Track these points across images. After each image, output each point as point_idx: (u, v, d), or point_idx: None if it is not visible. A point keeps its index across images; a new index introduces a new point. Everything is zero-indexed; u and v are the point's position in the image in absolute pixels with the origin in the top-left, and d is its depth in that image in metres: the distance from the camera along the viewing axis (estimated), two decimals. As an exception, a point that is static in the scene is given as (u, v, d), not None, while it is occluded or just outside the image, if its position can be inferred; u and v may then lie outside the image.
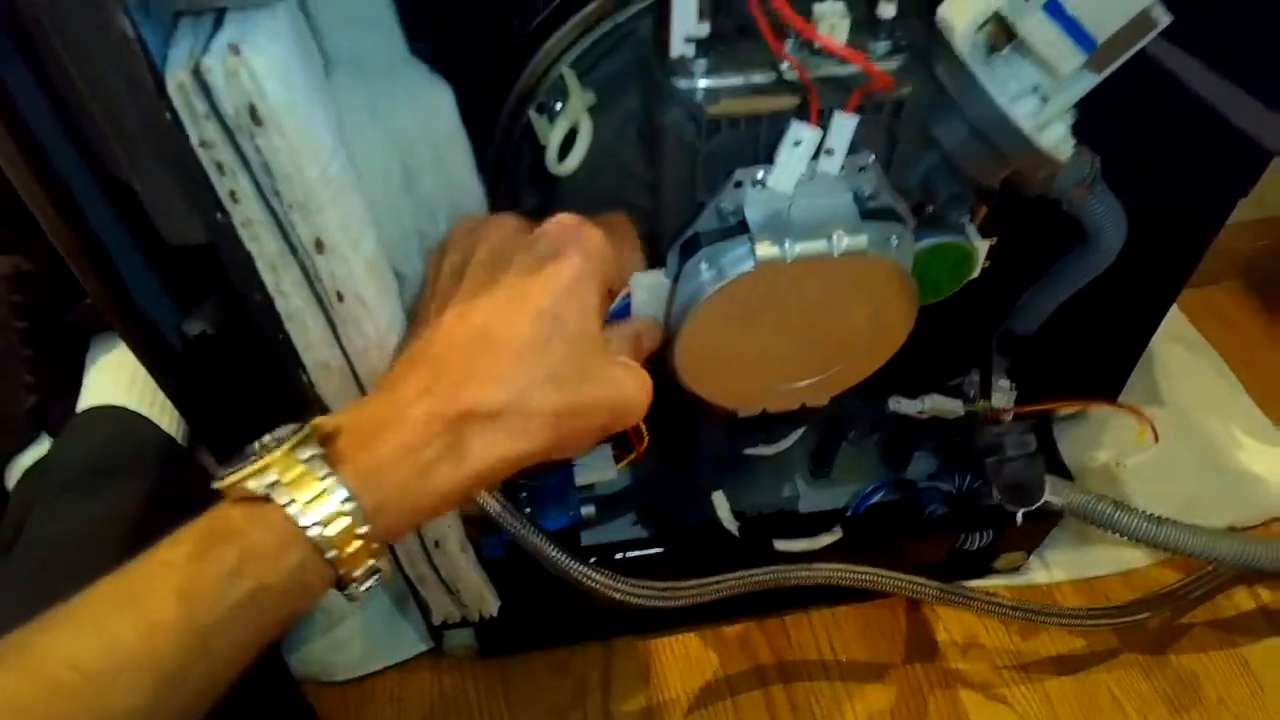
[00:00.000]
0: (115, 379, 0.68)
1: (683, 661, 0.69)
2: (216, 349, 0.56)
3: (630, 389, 0.38)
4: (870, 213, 0.42)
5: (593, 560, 0.54)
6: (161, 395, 0.69)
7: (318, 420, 0.34)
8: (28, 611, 0.51)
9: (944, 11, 0.38)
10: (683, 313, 0.43)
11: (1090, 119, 0.45)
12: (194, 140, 0.31)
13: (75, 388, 0.69)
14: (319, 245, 0.35)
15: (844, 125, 0.38)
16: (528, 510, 0.62)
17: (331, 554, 0.32)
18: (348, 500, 0.32)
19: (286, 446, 0.32)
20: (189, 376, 0.55)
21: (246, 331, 0.58)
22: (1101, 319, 0.64)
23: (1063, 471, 0.67)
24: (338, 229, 0.35)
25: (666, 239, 0.45)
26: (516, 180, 0.46)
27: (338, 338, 0.39)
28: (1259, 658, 0.68)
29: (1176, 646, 0.69)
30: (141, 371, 0.70)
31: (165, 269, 0.54)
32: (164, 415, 0.67)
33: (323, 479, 0.32)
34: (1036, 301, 0.60)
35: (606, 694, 0.67)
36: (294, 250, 0.35)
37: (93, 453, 0.61)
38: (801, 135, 0.38)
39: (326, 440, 0.34)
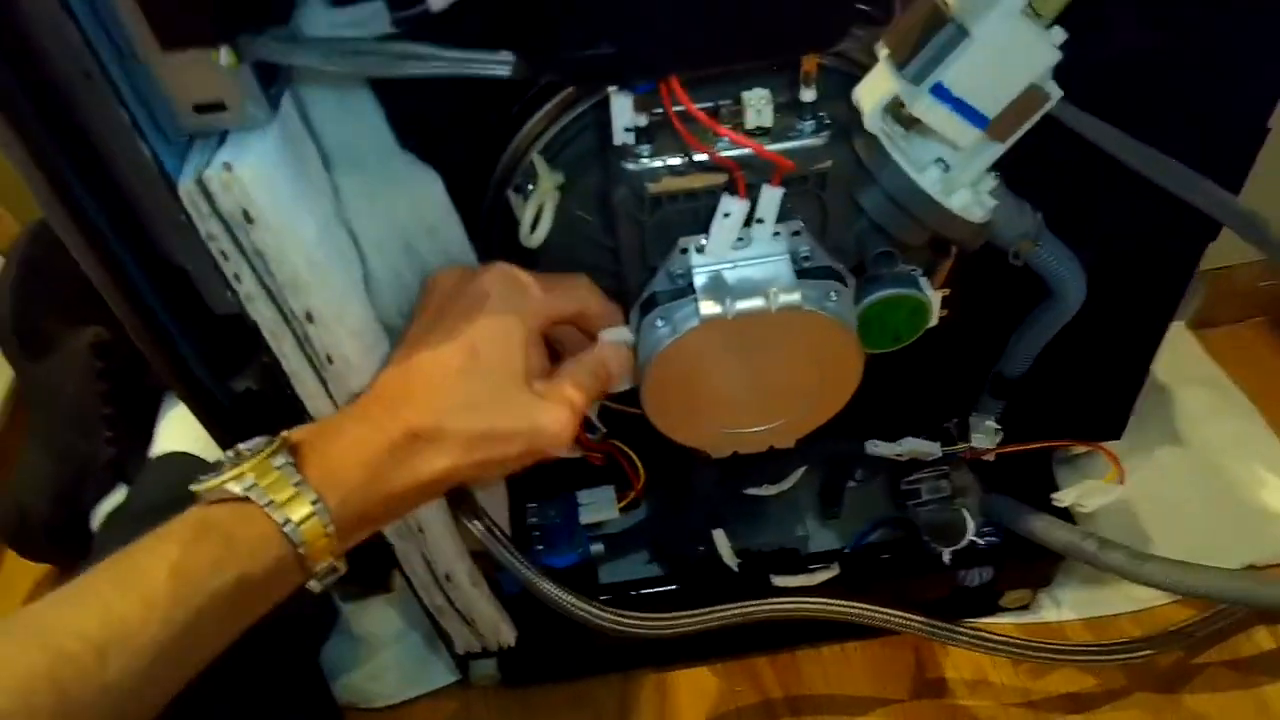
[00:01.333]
0: (182, 429, 0.76)
1: (696, 693, 0.72)
2: (260, 403, 0.63)
3: (544, 420, 0.43)
4: (808, 271, 0.46)
5: (605, 597, 0.59)
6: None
7: (286, 434, 0.41)
8: None
9: (858, 93, 0.42)
10: (644, 364, 0.48)
11: (1044, 175, 0.48)
12: (202, 234, 0.38)
13: (149, 440, 0.78)
14: (309, 316, 0.41)
15: (770, 197, 0.43)
16: (539, 548, 0.67)
17: (303, 548, 0.38)
18: (316, 502, 0.38)
19: (263, 455, 0.38)
20: (236, 428, 0.62)
21: (283, 387, 0.65)
22: (1089, 362, 0.66)
23: (1061, 512, 0.68)
24: (323, 304, 0.41)
25: (632, 299, 0.50)
26: (502, 251, 0.52)
27: (329, 393, 0.45)
28: (1278, 698, 0.68)
29: (1189, 686, 0.69)
30: (208, 423, 0.78)
31: (214, 337, 0.62)
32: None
33: (295, 484, 0.38)
34: (1019, 348, 0.62)
35: (622, 696, 0.71)
36: (288, 320, 0.42)
37: (163, 491, 0.69)
38: (730, 208, 0.43)
39: (294, 450, 0.40)
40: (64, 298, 0.77)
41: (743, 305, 0.44)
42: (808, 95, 0.43)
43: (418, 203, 0.46)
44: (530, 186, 0.48)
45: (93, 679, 0.32)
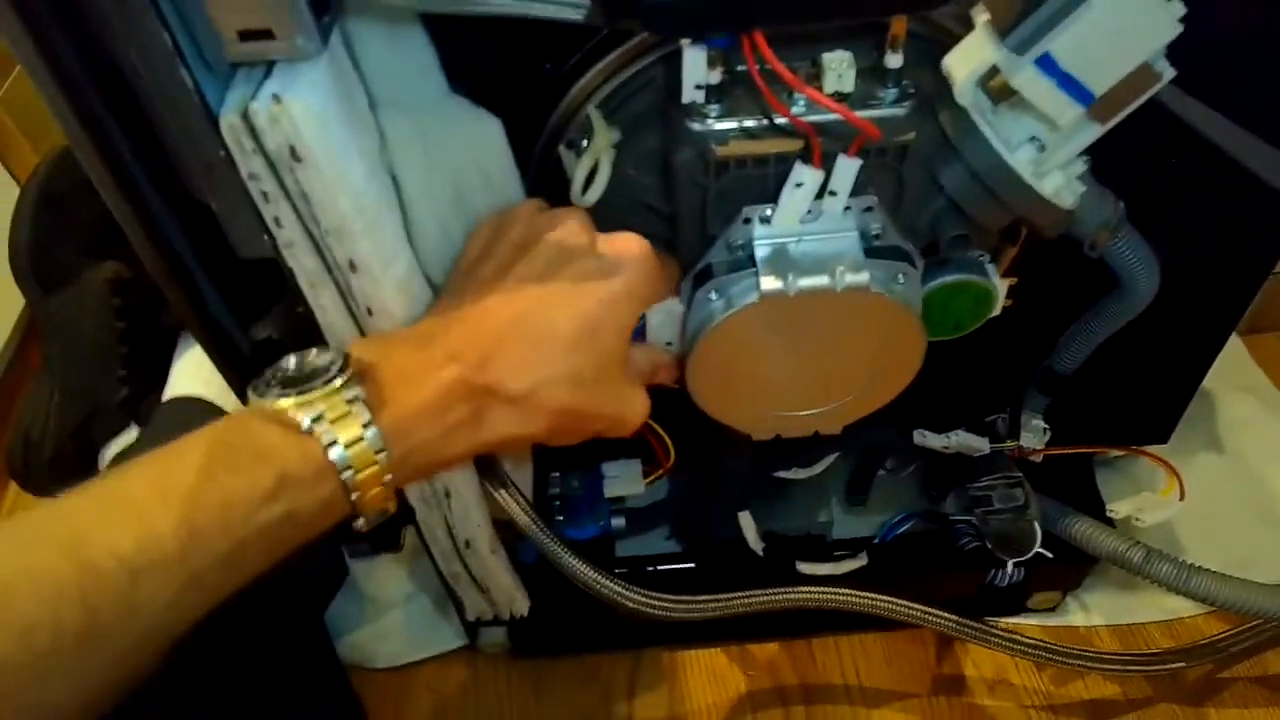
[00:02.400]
0: (196, 373, 0.74)
1: (708, 676, 0.71)
2: (280, 352, 0.61)
3: (631, 408, 0.41)
4: (876, 251, 0.43)
5: (621, 571, 0.57)
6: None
7: (355, 356, 0.37)
8: None
9: (948, 62, 0.39)
10: (694, 339, 0.45)
11: (1124, 162, 0.45)
12: (243, 173, 0.35)
13: (162, 382, 0.76)
14: (352, 266, 0.39)
15: (846, 168, 0.40)
16: (559, 518, 0.65)
17: (355, 495, 0.35)
18: (381, 450, 0.35)
19: (334, 387, 0.35)
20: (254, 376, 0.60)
21: (306, 337, 0.63)
22: (1145, 363, 0.63)
23: (1100, 515, 0.66)
24: (369, 253, 0.39)
25: (682, 268, 0.47)
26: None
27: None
28: (1307, 720, 0.66)
29: (1217, 700, 0.67)
30: (220, 369, 0.76)
31: (236, 281, 0.59)
32: (237, 407, 0.72)
33: (364, 425, 0.35)
34: (1075, 343, 0.60)
35: (631, 701, 0.69)
36: (330, 269, 0.39)
37: (172, 436, 0.67)
38: (803, 177, 0.40)
39: (363, 378, 0.36)
40: (83, 231, 0.75)
41: (806, 282, 0.42)
42: (893, 61, 0.40)
43: (474, 149, 0.43)
44: (584, 143, 0.45)
45: (123, 599, 0.30)
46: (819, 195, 0.41)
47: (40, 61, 0.38)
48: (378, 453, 0.35)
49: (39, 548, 0.30)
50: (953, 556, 0.66)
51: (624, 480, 0.63)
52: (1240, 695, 0.67)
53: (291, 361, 0.37)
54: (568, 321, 0.38)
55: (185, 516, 0.31)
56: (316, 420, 0.34)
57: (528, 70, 0.46)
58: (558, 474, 0.64)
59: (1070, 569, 0.69)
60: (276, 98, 0.33)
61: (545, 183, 0.48)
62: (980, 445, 0.59)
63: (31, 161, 0.91)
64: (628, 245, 0.40)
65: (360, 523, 0.37)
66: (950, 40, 0.43)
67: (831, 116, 0.40)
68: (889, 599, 0.58)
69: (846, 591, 0.57)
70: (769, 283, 0.42)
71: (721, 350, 0.45)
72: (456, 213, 0.44)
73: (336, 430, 0.34)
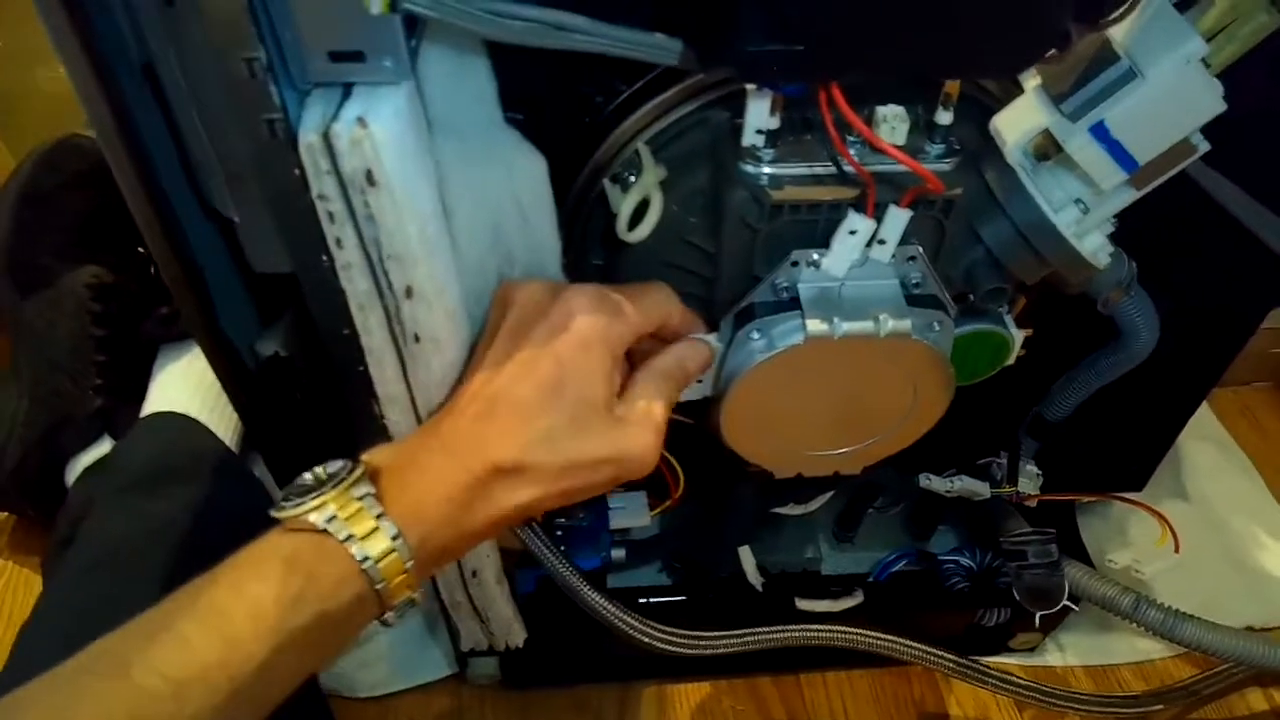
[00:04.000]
0: (179, 388, 0.72)
1: (697, 711, 0.70)
2: (284, 370, 0.60)
3: (629, 445, 0.41)
4: (915, 299, 0.44)
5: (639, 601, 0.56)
6: (220, 405, 0.72)
7: (366, 458, 0.39)
8: (86, 602, 0.54)
9: (998, 122, 0.41)
10: (731, 377, 0.46)
11: (1133, 224, 0.48)
12: (314, 192, 0.35)
13: (140, 394, 0.73)
14: (409, 292, 0.38)
15: (897, 219, 0.41)
16: (561, 548, 0.64)
17: (380, 585, 0.36)
18: (396, 537, 0.36)
19: (344, 485, 0.37)
20: (258, 393, 0.58)
21: (314, 355, 0.62)
22: (1131, 413, 0.66)
23: (1084, 559, 0.69)
24: (426, 279, 0.38)
25: (720, 306, 0.48)
26: (586, 242, 0.50)
27: (405, 374, 0.42)
28: (1270, 761, 0.69)
29: (1187, 742, 0.70)
30: (204, 383, 0.74)
31: (246, 294, 0.58)
32: (220, 425, 0.70)
33: (377, 517, 0.36)
34: (1067, 391, 0.62)
35: (622, 707, 0.69)
36: (382, 294, 0.38)
37: (154, 456, 0.64)
38: (857, 225, 0.41)
39: (373, 478, 0.38)
40: (65, 233, 0.72)
41: (850, 327, 0.43)
42: (944, 118, 0.41)
43: (516, 183, 0.43)
44: (631, 178, 0.46)
45: (171, 716, 0.32)
46: (868, 244, 0.42)
47: (80, 53, 0.37)
48: (394, 539, 0.36)
49: (90, 676, 0.32)
50: (944, 596, 0.68)
51: (630, 512, 0.62)
52: (1208, 737, 0.70)
53: (306, 475, 0.39)
54: (534, 384, 0.39)
55: (221, 630, 0.33)
56: (331, 520, 0.36)
57: (577, 102, 0.46)
58: (563, 504, 0.63)
59: (1056, 613, 0.71)
60: (362, 121, 0.32)
61: (583, 215, 0.48)
62: (981, 490, 0.61)
63: (5, 161, 0.88)
64: (571, 300, 0.41)
65: (390, 616, 0.38)
66: (989, 100, 0.45)
67: (886, 167, 0.41)
68: (895, 639, 0.59)
69: (859, 631, 0.58)
70: (815, 325, 0.42)
71: (759, 389, 0.46)
72: (493, 248, 0.44)
73: (351, 526, 0.36)
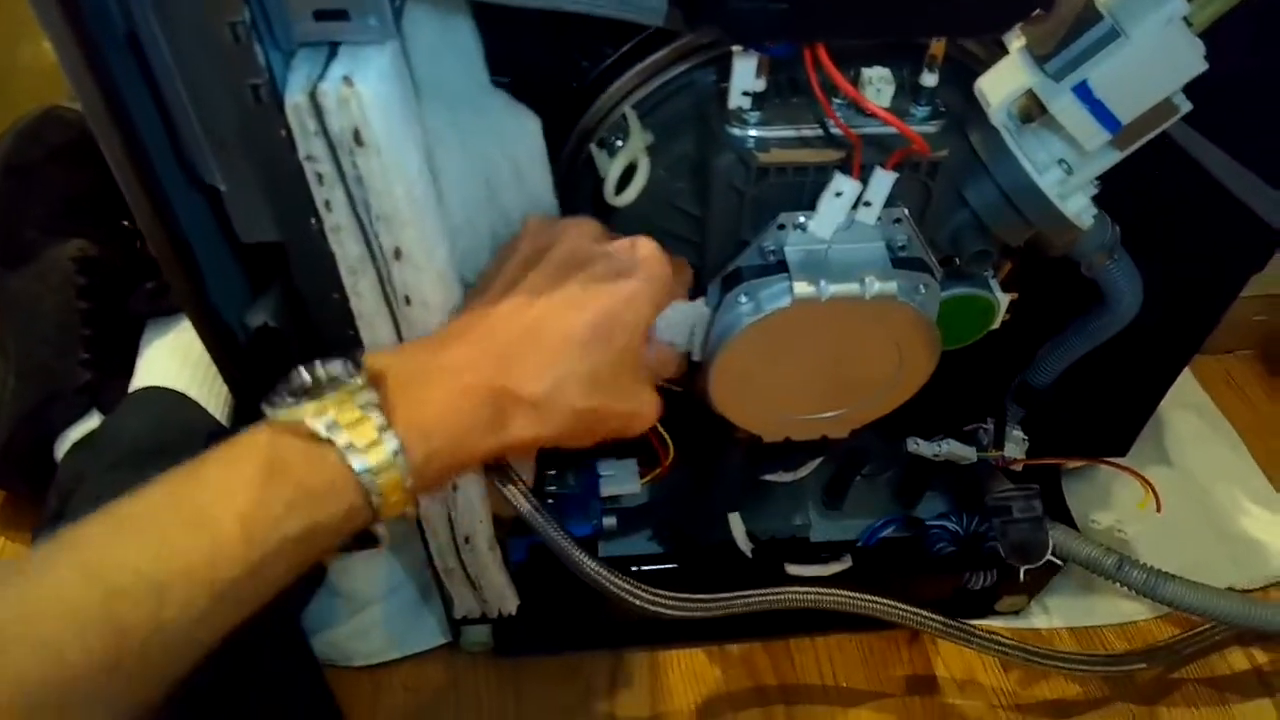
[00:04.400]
0: (167, 363, 0.72)
1: (688, 676, 0.71)
2: (274, 341, 0.60)
3: (645, 407, 0.42)
4: (900, 262, 0.45)
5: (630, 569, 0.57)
6: (209, 380, 0.72)
7: (369, 361, 0.36)
8: None
9: (982, 84, 0.41)
10: (719, 341, 0.46)
11: (1115, 190, 0.48)
12: (301, 153, 0.35)
13: (128, 368, 0.73)
14: (397, 254, 0.38)
15: (883, 181, 0.41)
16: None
17: (377, 500, 0.34)
18: (398, 452, 0.34)
19: (345, 390, 0.34)
20: (248, 366, 0.58)
21: (303, 325, 0.62)
22: (1115, 378, 0.66)
23: (1069, 522, 0.69)
24: (415, 241, 0.38)
25: (708, 271, 0.48)
26: (575, 208, 0.50)
27: (400, 337, 0.42)
28: (1249, 717, 0.70)
29: (1168, 700, 0.71)
30: (192, 357, 0.74)
31: (234, 265, 0.58)
32: (210, 399, 0.70)
33: (379, 429, 0.34)
34: (1053, 356, 0.62)
35: (613, 701, 0.69)
36: (374, 257, 0.39)
37: (144, 432, 0.64)
38: (843, 187, 0.41)
39: (377, 383, 0.35)
40: (49, 206, 0.71)
41: (836, 289, 0.43)
42: (929, 80, 0.42)
43: (510, 145, 0.43)
44: (618, 143, 0.46)
45: (150, 616, 0.30)
46: (853, 205, 0.43)
47: (65, 25, 0.36)
48: (395, 454, 0.35)
49: (61, 572, 0.30)
50: (931, 560, 0.69)
51: (620, 479, 0.63)
52: (1189, 695, 0.71)
53: (303, 372, 0.36)
54: (584, 322, 0.38)
55: (208, 532, 0.31)
56: (331, 427, 0.34)
57: (564, 66, 0.46)
58: (554, 472, 0.64)
59: (1041, 574, 0.72)
60: (348, 80, 0.32)
61: (574, 182, 0.49)
62: (968, 454, 0.61)
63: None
64: (641, 247, 0.41)
65: (381, 529, 0.37)
66: (974, 63, 0.45)
67: (872, 129, 0.41)
68: (883, 600, 0.60)
69: (848, 594, 0.59)
70: (802, 288, 0.43)
71: (747, 353, 0.46)
72: (487, 208, 0.44)
73: (352, 435, 0.34)
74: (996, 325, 0.53)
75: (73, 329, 0.72)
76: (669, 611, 0.55)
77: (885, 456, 0.74)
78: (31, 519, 0.74)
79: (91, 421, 0.72)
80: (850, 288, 0.43)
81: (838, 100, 0.42)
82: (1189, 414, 0.88)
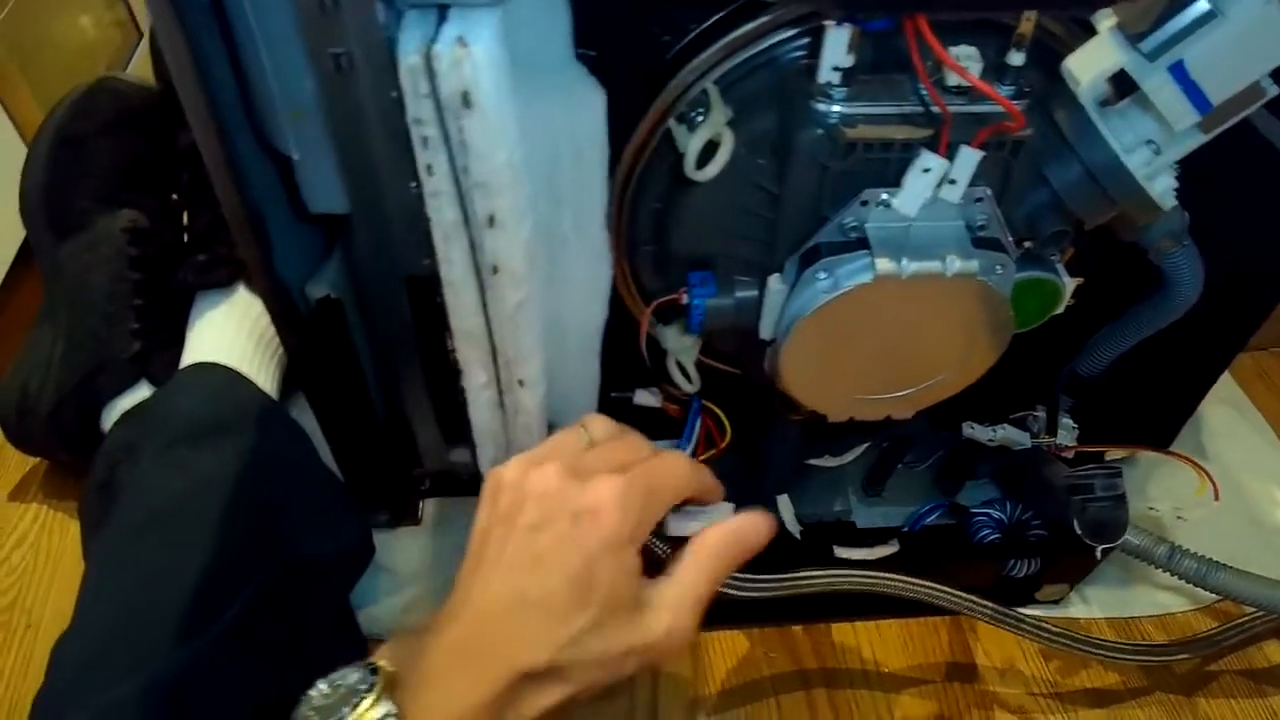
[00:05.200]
0: (219, 336, 0.72)
1: (730, 657, 0.72)
2: (334, 313, 0.60)
3: (659, 634, 0.39)
4: (978, 241, 0.45)
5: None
6: (260, 354, 0.73)
7: (384, 667, 0.37)
8: (142, 564, 0.54)
9: (1071, 63, 0.41)
10: (794, 319, 0.46)
11: (1184, 175, 0.48)
12: (410, 116, 0.35)
13: (177, 339, 0.73)
14: (491, 220, 0.38)
15: (969, 159, 0.42)
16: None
17: None
18: None
19: (366, 706, 0.35)
20: (310, 337, 0.59)
21: (364, 297, 0.62)
22: (1162, 369, 0.67)
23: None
24: (509, 209, 0.38)
25: (781, 249, 0.48)
26: (645, 184, 0.50)
27: (484, 306, 0.43)
28: (1286, 710, 0.71)
29: (1206, 691, 0.71)
30: (243, 330, 0.74)
31: (299, 236, 0.58)
32: (260, 374, 0.71)
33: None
34: (1105, 345, 0.63)
35: (655, 683, 0.70)
36: (468, 223, 0.39)
37: (199, 408, 0.65)
38: (930, 164, 0.42)
39: (393, 690, 0.36)
40: (102, 176, 0.72)
41: (917, 266, 0.43)
42: (1016, 59, 0.42)
43: (576, 121, 0.44)
44: (699, 118, 0.46)
45: None
46: (938, 184, 0.43)
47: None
48: None
49: None
50: (976, 547, 0.69)
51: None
52: (1227, 686, 0.72)
53: (324, 686, 0.36)
54: (560, 586, 0.37)
55: None
56: None
57: (645, 41, 0.46)
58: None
59: (1084, 561, 0.72)
60: (462, 41, 0.32)
61: (647, 158, 0.49)
62: (1022, 440, 0.62)
63: (28, 106, 0.87)
64: (598, 492, 0.39)
65: None
66: (1054, 42, 0.45)
67: (961, 107, 0.41)
68: (938, 587, 0.60)
69: (899, 578, 0.59)
70: (884, 264, 0.43)
71: (822, 330, 0.46)
72: (547, 188, 0.44)
73: None
74: (1060, 310, 0.53)
75: (124, 299, 0.72)
76: (732, 592, 0.55)
77: (930, 444, 0.74)
78: (74, 488, 0.74)
79: (141, 392, 0.72)
80: (931, 266, 0.43)
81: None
82: (1224, 408, 0.89)
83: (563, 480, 0.39)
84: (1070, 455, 0.64)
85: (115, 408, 0.73)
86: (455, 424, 0.73)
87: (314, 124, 0.50)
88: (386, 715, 0.35)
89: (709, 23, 0.45)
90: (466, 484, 0.78)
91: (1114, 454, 0.75)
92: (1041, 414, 0.65)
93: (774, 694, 0.70)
